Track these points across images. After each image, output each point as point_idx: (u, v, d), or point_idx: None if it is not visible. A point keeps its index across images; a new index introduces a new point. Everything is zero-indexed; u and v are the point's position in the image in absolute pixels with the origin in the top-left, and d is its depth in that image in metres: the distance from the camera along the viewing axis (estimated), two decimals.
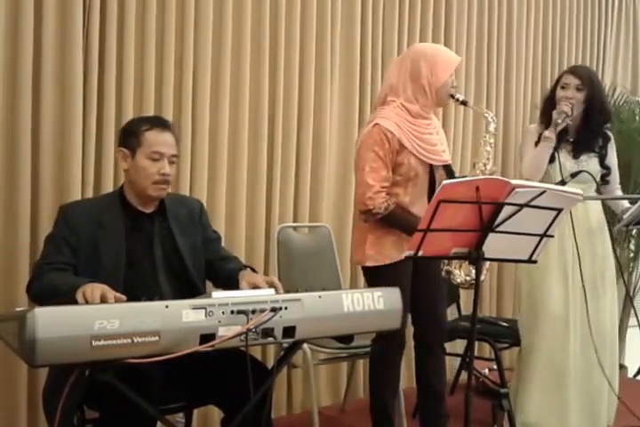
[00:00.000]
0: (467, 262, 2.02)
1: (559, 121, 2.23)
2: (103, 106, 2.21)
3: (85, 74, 2.17)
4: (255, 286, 1.59)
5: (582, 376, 2.36)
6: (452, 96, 2.05)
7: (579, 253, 2.28)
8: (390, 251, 2.02)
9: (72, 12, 2.12)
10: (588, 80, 2.30)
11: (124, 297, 1.40)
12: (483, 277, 2.12)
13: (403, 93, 2.01)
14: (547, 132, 2.26)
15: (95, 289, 1.41)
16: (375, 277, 2.06)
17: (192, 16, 2.38)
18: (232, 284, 1.68)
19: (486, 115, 2.11)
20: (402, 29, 2.95)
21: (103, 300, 1.39)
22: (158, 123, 1.73)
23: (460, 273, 2.05)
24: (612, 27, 3.88)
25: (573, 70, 2.35)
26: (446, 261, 2.07)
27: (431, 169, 2.08)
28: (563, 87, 2.32)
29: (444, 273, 2.08)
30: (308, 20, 2.67)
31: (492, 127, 2.09)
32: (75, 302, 1.39)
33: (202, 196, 2.41)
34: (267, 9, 2.57)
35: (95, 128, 2.19)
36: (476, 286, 1.67)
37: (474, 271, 1.95)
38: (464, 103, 2.06)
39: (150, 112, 2.26)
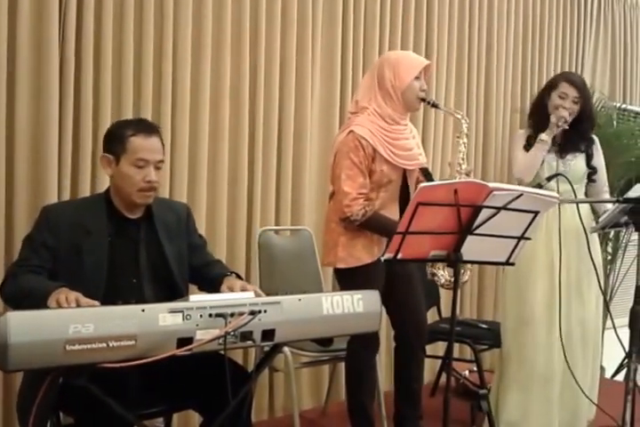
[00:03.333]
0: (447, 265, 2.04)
1: (560, 123, 2.30)
2: (80, 106, 2.18)
3: (61, 74, 2.14)
4: (231, 291, 1.59)
5: (565, 377, 2.38)
6: (423, 99, 2.07)
7: (562, 255, 2.30)
8: (361, 253, 2.04)
9: (48, 11, 2.09)
10: (585, 93, 2.38)
11: (97, 303, 1.39)
12: (467, 278, 2.14)
13: (374, 100, 2.04)
14: (544, 136, 2.34)
15: (70, 294, 1.39)
16: (347, 279, 2.08)
17: (171, 15, 2.36)
18: (216, 289, 1.67)
19: (457, 115, 2.13)
20: (383, 35, 2.96)
21: (77, 305, 1.36)
22: (143, 127, 1.67)
23: (445, 274, 2.07)
24: (590, 34, 3.95)
25: (573, 81, 2.38)
26: (430, 263, 2.09)
27: (404, 174, 2.10)
28: (561, 97, 2.36)
29: (429, 275, 2.09)
30: (288, 23, 2.67)
31: (464, 127, 2.11)
32: (46, 306, 1.37)
33: (182, 199, 2.39)
34: (247, 9, 2.56)
35: (72, 130, 2.17)
36: (454, 288, 1.68)
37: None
38: (435, 106, 2.09)
39: (129, 114, 2.24)
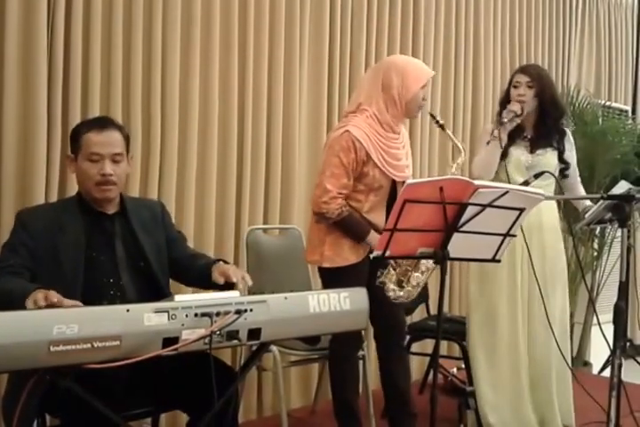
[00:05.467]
0: (400, 278, 2.03)
1: (505, 120, 2.28)
2: (68, 107, 2.17)
3: (50, 73, 2.12)
4: (227, 276, 1.60)
5: (532, 373, 2.39)
6: (433, 117, 2.08)
7: (529, 251, 2.28)
8: (347, 253, 2.05)
9: (36, 10, 2.07)
10: (537, 76, 2.36)
11: (79, 303, 1.38)
12: (424, 279, 2.07)
13: (375, 103, 2.03)
14: (495, 131, 2.29)
15: (49, 295, 1.37)
16: (331, 278, 2.08)
17: (160, 14, 2.35)
18: (206, 278, 1.67)
19: (459, 145, 2.10)
20: (369, 38, 2.96)
21: (58, 306, 1.35)
22: (97, 123, 1.70)
23: (395, 289, 2.04)
24: (575, 33, 3.99)
25: (523, 69, 2.42)
26: (381, 274, 2.04)
27: (394, 182, 2.10)
28: (515, 86, 2.37)
29: (378, 282, 2.03)
30: (276, 25, 2.67)
31: (460, 158, 2.09)
32: (24, 308, 1.35)
33: (170, 197, 2.39)
34: (235, 10, 2.55)
35: (60, 130, 2.15)
36: (441, 285, 1.68)
37: (405, 288, 2.00)
38: (441, 127, 2.09)
39: (118, 115, 2.23)
